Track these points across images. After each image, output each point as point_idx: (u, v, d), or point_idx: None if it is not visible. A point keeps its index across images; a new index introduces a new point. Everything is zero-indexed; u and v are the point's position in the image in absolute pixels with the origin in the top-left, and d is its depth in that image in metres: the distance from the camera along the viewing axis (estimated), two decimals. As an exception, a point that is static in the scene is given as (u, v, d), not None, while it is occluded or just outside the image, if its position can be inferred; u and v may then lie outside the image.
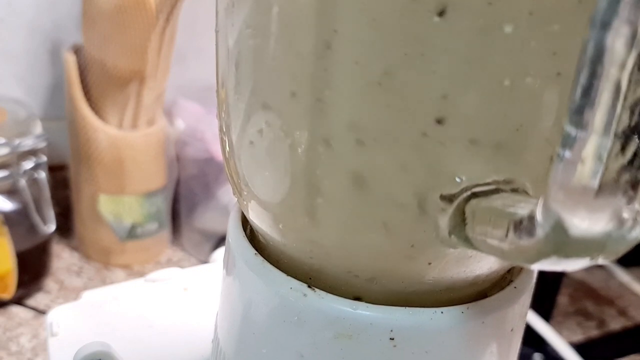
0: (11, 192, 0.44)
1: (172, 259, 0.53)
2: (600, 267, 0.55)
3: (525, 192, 0.15)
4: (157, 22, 0.44)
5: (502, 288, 0.18)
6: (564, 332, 0.49)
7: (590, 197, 0.10)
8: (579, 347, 0.46)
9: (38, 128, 0.46)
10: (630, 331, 0.52)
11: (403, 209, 0.15)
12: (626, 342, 0.51)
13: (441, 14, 0.13)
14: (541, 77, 0.14)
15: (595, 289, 0.57)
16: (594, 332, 0.51)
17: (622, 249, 0.11)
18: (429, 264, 0.16)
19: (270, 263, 0.18)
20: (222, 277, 0.21)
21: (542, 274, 0.20)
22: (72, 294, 0.48)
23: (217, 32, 0.17)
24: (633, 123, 0.10)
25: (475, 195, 0.14)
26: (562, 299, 0.54)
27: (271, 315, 0.18)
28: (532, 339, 0.45)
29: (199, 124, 0.52)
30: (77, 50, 0.48)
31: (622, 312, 0.54)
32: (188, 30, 0.54)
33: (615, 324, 0.52)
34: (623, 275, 0.58)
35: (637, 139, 0.10)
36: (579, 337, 0.50)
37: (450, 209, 0.15)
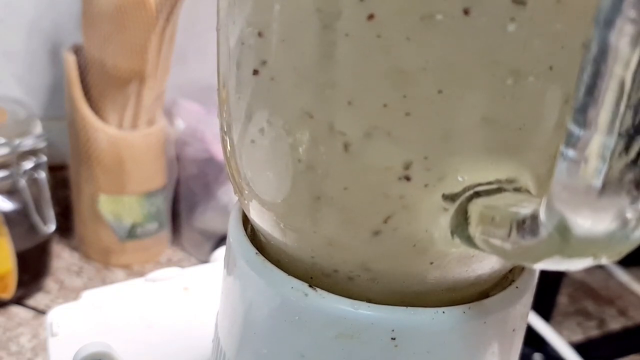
0: (11, 192, 0.44)
1: (172, 259, 0.53)
2: (600, 267, 0.55)
3: (528, 192, 0.15)
4: (157, 22, 0.44)
5: (504, 288, 0.18)
6: (564, 332, 0.49)
7: (593, 197, 0.10)
8: (579, 347, 0.46)
9: (38, 128, 0.46)
10: (630, 331, 0.52)
11: (405, 208, 0.15)
12: (626, 342, 0.51)
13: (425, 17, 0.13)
14: (544, 75, 0.14)
15: (595, 289, 0.57)
16: (594, 332, 0.51)
17: (625, 249, 0.11)
18: (431, 263, 0.16)
19: (271, 262, 0.18)
20: (222, 276, 0.21)
21: (542, 274, 0.20)
22: (72, 294, 0.47)
23: (218, 30, 0.17)
24: (637, 122, 0.10)
25: (477, 194, 0.14)
26: (562, 299, 0.54)
27: (272, 315, 0.18)
28: (532, 339, 0.45)
29: (199, 124, 0.52)
30: (77, 50, 0.48)
31: (622, 312, 0.54)
32: (188, 30, 0.54)
33: (615, 324, 0.52)
34: (623, 275, 0.58)
35: (640, 138, 0.10)
36: (579, 337, 0.50)
37: (453, 208, 0.15)
